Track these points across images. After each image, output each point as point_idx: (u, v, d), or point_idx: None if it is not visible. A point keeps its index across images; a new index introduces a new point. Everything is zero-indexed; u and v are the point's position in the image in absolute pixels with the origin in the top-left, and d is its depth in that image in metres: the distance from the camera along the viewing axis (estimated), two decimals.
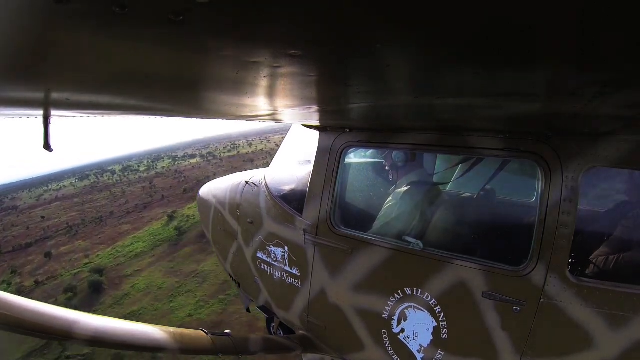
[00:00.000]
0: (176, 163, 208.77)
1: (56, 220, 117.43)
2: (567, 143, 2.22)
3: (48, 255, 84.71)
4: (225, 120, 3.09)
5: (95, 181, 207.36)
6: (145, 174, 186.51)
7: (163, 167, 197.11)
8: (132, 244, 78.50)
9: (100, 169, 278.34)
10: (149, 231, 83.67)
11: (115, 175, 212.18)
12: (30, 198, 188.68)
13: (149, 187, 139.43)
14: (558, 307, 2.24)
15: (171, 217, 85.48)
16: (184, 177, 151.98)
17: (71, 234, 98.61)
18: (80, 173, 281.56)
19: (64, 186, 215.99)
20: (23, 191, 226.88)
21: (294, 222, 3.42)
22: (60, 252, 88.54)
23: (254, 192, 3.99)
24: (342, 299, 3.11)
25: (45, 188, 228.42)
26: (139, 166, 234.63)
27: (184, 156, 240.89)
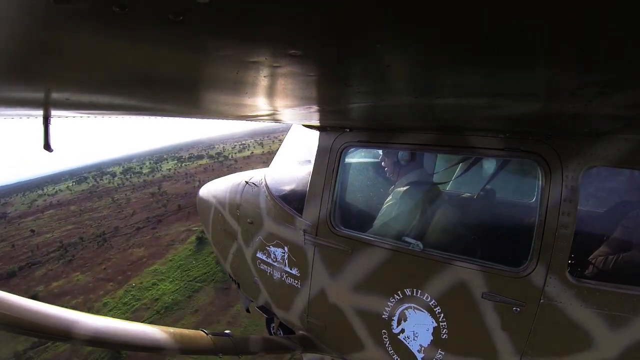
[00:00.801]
0: (183, 165, 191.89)
1: (48, 235, 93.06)
2: (567, 143, 2.22)
3: (34, 299, 60.77)
4: (225, 120, 3.09)
5: (94, 185, 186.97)
6: (150, 177, 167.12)
7: (169, 170, 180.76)
8: (154, 283, 46.14)
9: (99, 170, 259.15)
10: (174, 261, 52.51)
11: (116, 178, 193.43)
12: (23, 204, 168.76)
13: (158, 194, 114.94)
14: (558, 307, 2.24)
15: (201, 240, 56.80)
16: (198, 180, 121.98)
17: (66, 259, 70.21)
18: (77, 175, 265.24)
19: (60, 190, 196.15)
20: (17, 194, 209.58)
21: (294, 223, 3.42)
22: (50, 290, 60.10)
23: (254, 192, 3.99)
24: (342, 299, 3.11)
25: (39, 192, 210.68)
26: (141, 168, 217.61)
27: (190, 157, 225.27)
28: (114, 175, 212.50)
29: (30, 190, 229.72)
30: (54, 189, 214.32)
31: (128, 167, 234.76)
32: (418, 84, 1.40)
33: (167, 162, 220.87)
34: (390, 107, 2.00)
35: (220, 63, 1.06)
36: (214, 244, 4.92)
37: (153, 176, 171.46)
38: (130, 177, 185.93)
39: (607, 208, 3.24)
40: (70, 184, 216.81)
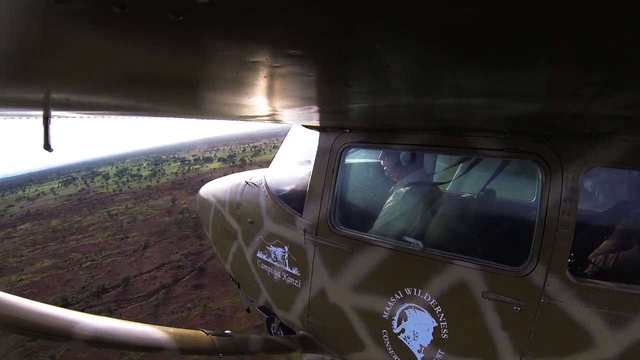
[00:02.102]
0: (190, 168, 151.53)
1: (13, 278, 51.26)
2: (567, 143, 2.23)
3: None
4: (224, 121, 3.09)
5: (83, 189, 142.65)
6: (155, 182, 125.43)
7: (175, 173, 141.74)
8: None
9: (89, 170, 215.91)
10: None
11: (110, 181, 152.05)
12: None
13: (176, 210, 69.82)
14: (558, 307, 2.24)
15: None
16: None
17: None
18: (65, 174, 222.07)
19: (43, 193, 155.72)
20: None
21: (294, 222, 3.42)
22: None
23: (254, 192, 4.00)
24: (343, 299, 3.11)
25: (20, 192, 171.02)
26: (139, 169, 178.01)
27: (196, 159, 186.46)
28: (107, 176, 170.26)
29: (11, 189, 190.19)
30: (36, 190, 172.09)
31: (123, 167, 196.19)
32: (418, 84, 1.40)
33: (169, 164, 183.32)
34: (390, 108, 2.00)
35: (220, 63, 1.06)
36: (214, 243, 4.92)
37: (157, 181, 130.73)
38: (128, 181, 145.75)
39: (607, 208, 3.24)
40: (56, 185, 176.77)
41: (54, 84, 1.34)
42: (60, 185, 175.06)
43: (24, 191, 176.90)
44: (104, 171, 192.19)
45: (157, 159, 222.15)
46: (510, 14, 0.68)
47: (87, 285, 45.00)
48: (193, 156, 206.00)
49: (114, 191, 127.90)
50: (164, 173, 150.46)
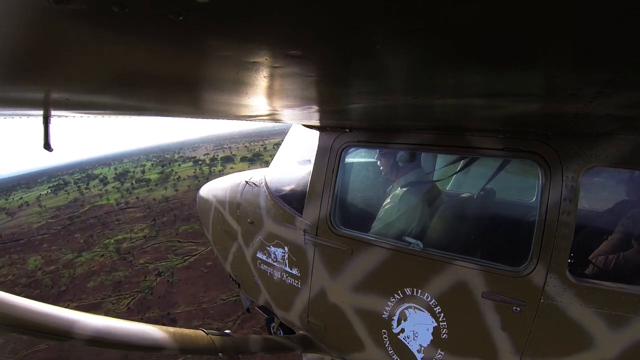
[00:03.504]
0: (212, 170, 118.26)
1: None
2: (567, 143, 2.23)
3: None
4: (224, 120, 3.09)
5: (76, 198, 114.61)
6: (172, 191, 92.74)
7: (195, 177, 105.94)
8: None
9: (83, 171, 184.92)
10: None
11: (110, 187, 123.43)
12: None
13: None
14: (558, 307, 2.24)
15: None
16: None
17: None
18: (56, 177, 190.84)
19: (27, 203, 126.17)
20: None
21: (294, 222, 3.42)
22: None
23: (254, 192, 4.00)
24: (342, 299, 3.11)
25: (3, 200, 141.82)
26: (143, 172, 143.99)
27: (212, 159, 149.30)
28: (104, 181, 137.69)
29: None
30: (20, 198, 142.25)
31: (122, 169, 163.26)
32: (418, 84, 1.40)
33: (179, 165, 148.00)
34: (390, 108, 2.00)
35: (220, 63, 1.06)
36: (214, 244, 4.92)
37: (175, 189, 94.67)
38: (134, 188, 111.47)
39: (607, 208, 3.25)
40: (45, 191, 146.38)
41: (54, 84, 1.34)
42: (49, 191, 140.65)
43: (7, 199, 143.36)
44: (101, 173, 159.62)
45: (161, 159, 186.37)
46: (510, 13, 0.68)
47: None
48: (205, 155, 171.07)
49: (117, 203, 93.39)
50: (179, 177, 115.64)
